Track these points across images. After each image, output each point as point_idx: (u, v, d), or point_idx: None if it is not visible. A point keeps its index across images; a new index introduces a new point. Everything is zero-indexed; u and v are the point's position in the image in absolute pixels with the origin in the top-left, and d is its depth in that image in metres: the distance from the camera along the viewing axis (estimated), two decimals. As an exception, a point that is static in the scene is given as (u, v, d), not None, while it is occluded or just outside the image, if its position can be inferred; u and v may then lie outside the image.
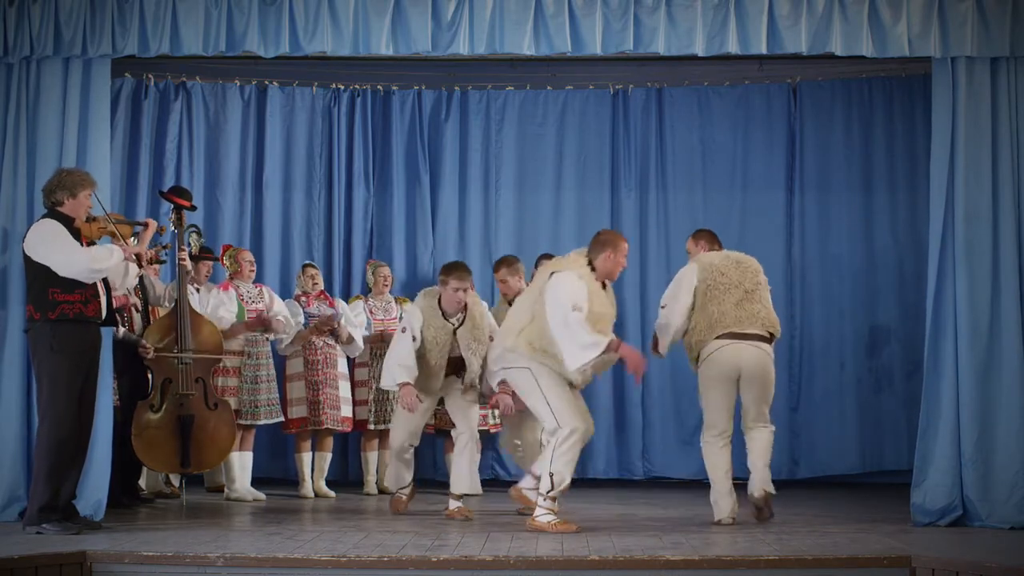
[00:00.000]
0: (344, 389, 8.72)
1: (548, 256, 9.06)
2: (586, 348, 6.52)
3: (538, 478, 6.73)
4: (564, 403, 6.63)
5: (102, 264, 6.48)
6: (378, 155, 10.00)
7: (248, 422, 8.38)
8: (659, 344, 7.24)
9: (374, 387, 8.81)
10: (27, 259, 6.50)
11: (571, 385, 6.77)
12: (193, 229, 8.35)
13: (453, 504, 7.32)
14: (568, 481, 6.62)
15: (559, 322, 6.57)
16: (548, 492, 6.59)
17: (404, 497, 7.60)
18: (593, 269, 6.78)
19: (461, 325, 7.28)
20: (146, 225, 7.12)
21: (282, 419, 8.57)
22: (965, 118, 6.98)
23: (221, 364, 8.12)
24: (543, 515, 6.58)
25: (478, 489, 7.94)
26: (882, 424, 9.58)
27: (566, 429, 6.57)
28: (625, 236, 9.70)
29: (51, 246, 6.43)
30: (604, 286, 6.83)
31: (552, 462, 6.57)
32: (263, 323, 8.42)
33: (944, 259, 6.94)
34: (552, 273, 6.74)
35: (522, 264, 8.32)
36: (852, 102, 9.78)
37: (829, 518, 7.22)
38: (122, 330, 7.54)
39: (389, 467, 7.86)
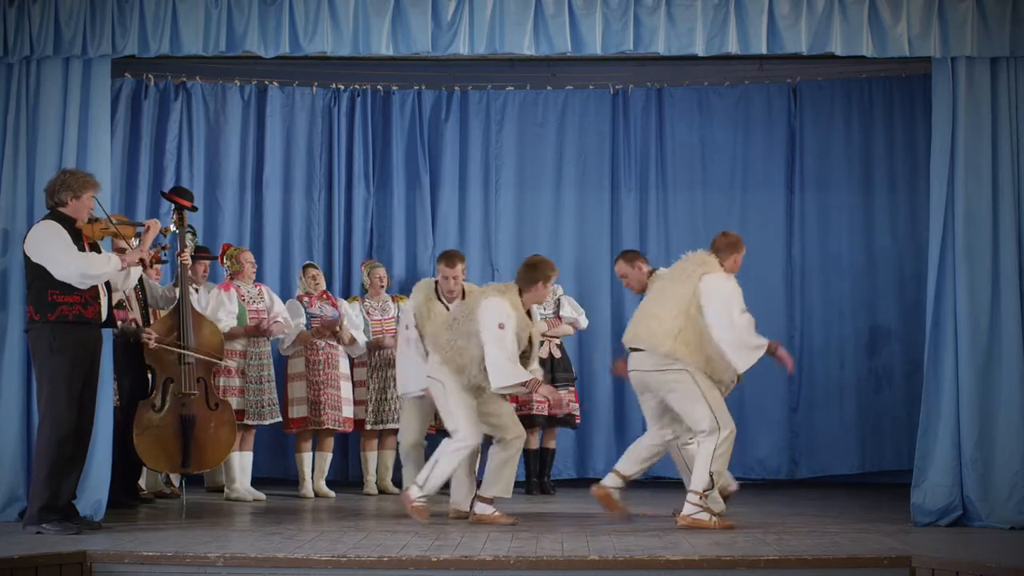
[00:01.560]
0: (346, 390, 8.71)
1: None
2: (754, 350, 6.74)
3: (625, 478, 6.95)
4: (722, 404, 6.79)
5: (96, 271, 6.46)
6: (378, 155, 10.00)
7: (254, 422, 8.39)
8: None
9: (373, 387, 8.82)
10: (27, 260, 6.50)
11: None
12: (188, 230, 8.35)
13: (485, 508, 7.04)
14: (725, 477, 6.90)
15: (725, 325, 6.71)
16: (705, 490, 6.70)
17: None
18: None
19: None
20: (148, 227, 7.12)
21: (281, 419, 8.58)
22: (965, 118, 6.98)
23: (223, 364, 8.12)
24: (699, 512, 6.68)
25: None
26: (882, 424, 9.57)
27: (726, 430, 6.73)
28: (625, 236, 9.87)
29: (48, 248, 6.42)
30: None
31: (713, 461, 6.70)
32: (261, 331, 8.42)
33: (944, 259, 6.94)
34: (703, 275, 6.86)
35: None
36: (852, 102, 9.77)
37: (829, 518, 7.22)
38: (121, 324, 7.54)
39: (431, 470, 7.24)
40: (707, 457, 6.72)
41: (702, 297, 6.78)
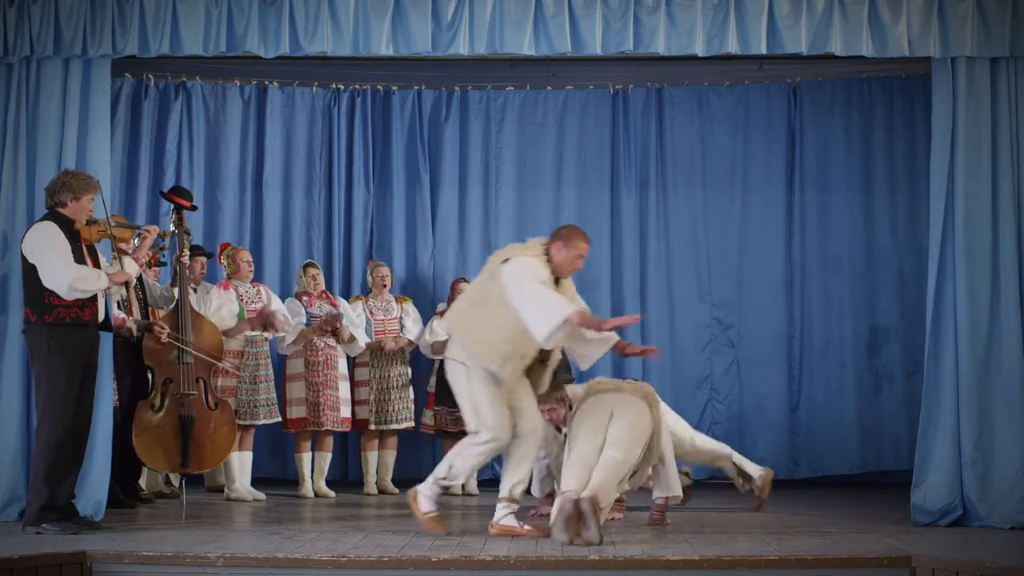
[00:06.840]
0: (344, 390, 8.71)
1: None
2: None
3: None
4: None
5: (84, 285, 6.41)
6: (378, 155, 10.00)
7: (247, 422, 8.38)
8: None
9: (375, 387, 8.82)
10: (23, 260, 6.48)
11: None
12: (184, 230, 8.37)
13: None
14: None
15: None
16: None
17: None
18: None
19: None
20: (146, 234, 7.09)
21: (279, 419, 8.58)
22: (965, 118, 6.98)
23: (223, 365, 8.12)
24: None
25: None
26: (882, 424, 9.57)
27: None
28: (625, 236, 9.88)
29: (41, 252, 6.39)
30: None
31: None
32: (264, 320, 8.40)
33: (944, 259, 6.95)
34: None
35: None
36: (852, 102, 9.77)
37: (829, 518, 7.22)
38: (130, 320, 7.53)
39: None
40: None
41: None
